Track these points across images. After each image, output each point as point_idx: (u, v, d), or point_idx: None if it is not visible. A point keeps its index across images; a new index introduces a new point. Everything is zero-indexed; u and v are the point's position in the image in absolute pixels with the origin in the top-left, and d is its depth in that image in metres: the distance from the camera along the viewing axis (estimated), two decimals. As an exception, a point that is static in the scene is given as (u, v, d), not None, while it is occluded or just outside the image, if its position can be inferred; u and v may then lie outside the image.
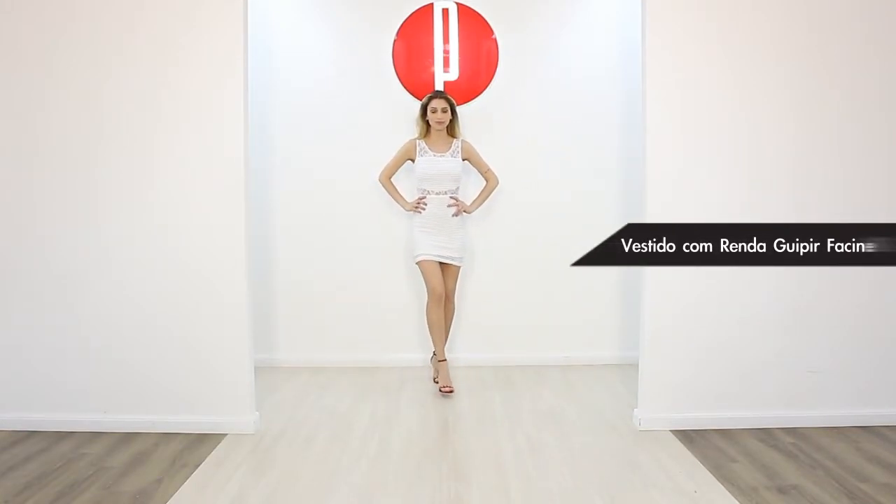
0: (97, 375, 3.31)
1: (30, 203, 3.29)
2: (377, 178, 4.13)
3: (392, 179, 4.13)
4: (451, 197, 4.01)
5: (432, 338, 4.07)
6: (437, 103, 4.01)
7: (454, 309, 4.23)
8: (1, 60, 3.24)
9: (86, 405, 3.31)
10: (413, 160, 4.07)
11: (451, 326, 4.25)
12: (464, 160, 4.07)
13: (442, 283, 4.00)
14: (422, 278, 4.10)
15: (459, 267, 4.12)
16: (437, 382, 4.00)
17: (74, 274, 3.28)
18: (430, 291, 4.01)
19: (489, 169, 4.12)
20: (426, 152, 4.03)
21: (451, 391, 3.88)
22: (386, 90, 4.47)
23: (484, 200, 4.14)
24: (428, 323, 4.07)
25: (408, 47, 4.45)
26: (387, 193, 4.15)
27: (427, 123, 4.05)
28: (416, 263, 4.06)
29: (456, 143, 4.06)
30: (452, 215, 4.01)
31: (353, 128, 4.49)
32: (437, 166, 4.00)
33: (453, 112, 4.05)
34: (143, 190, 3.26)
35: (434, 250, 4.00)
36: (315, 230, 4.53)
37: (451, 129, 4.07)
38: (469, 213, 4.10)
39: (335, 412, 3.63)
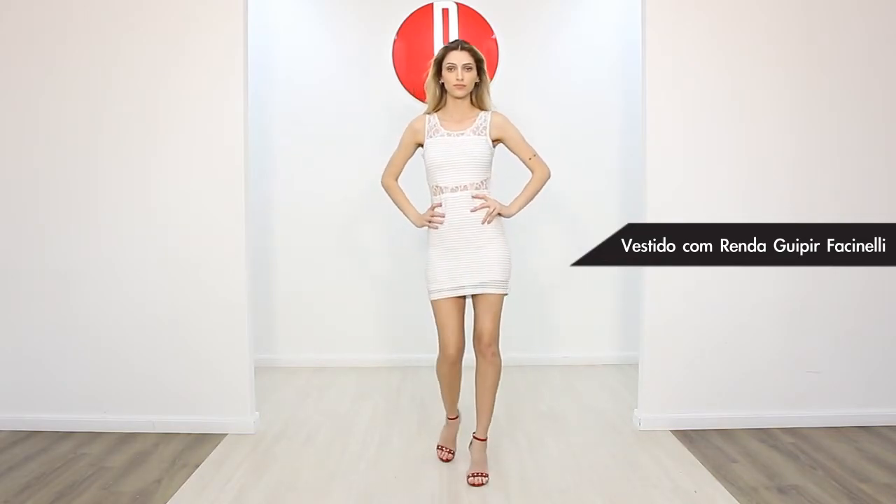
0: (97, 375, 3.31)
1: (30, 203, 3.29)
2: (381, 181, 2.98)
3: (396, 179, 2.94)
4: (475, 196, 2.76)
5: (442, 395, 2.96)
6: (457, 57, 2.72)
7: (500, 365, 2.83)
8: (1, 60, 3.25)
9: (86, 405, 3.31)
10: (423, 145, 2.83)
11: (495, 395, 2.87)
12: (495, 142, 2.82)
13: (459, 336, 2.77)
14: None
15: (502, 296, 2.80)
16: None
17: (74, 274, 3.28)
18: (442, 348, 2.79)
19: (535, 154, 2.85)
20: (437, 131, 2.78)
21: (449, 458, 2.91)
22: (386, 90, 4.47)
23: (530, 198, 2.86)
24: (438, 379, 2.92)
25: (408, 47, 4.45)
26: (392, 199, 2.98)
27: (442, 88, 2.81)
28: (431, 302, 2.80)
29: (483, 117, 2.80)
30: (482, 221, 2.76)
31: (353, 127, 4.49)
32: (453, 148, 2.75)
33: (480, 72, 2.78)
34: (144, 190, 3.26)
35: (451, 281, 2.75)
36: (315, 229, 4.52)
37: (479, 98, 2.82)
38: (507, 215, 2.81)
39: (335, 412, 3.63)
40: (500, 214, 2.80)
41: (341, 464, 2.94)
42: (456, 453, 2.98)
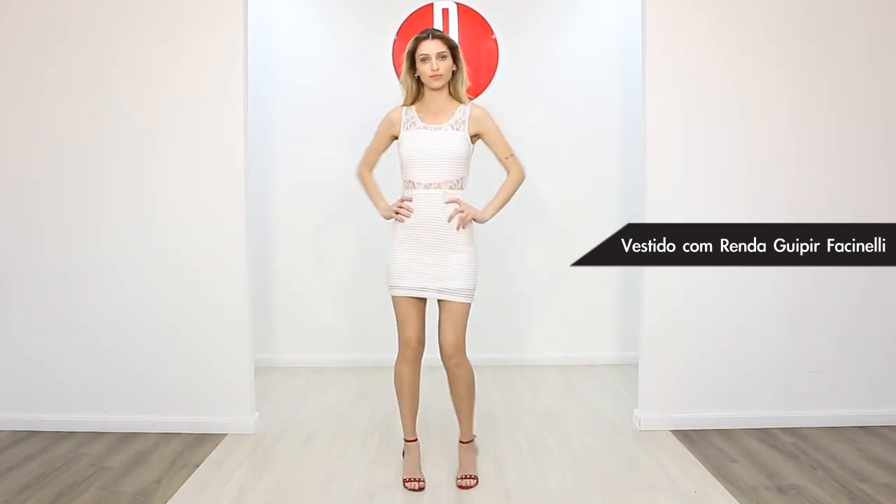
0: (97, 375, 3.31)
1: (30, 203, 3.29)
2: (356, 172, 2.87)
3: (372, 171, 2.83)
4: (450, 200, 2.62)
5: (400, 410, 2.81)
6: (429, 46, 2.59)
7: (467, 373, 2.72)
8: (1, 60, 3.25)
9: (86, 405, 3.31)
10: (398, 137, 2.72)
11: (472, 402, 2.79)
12: (474, 137, 2.67)
13: (420, 332, 2.70)
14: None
15: (465, 305, 2.65)
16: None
17: (74, 273, 3.28)
18: (402, 344, 2.72)
19: (512, 154, 2.70)
20: (415, 123, 2.66)
21: (422, 487, 2.68)
22: (386, 90, 4.46)
23: (506, 201, 2.72)
24: (396, 389, 2.78)
25: (408, 47, 4.45)
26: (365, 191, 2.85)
27: (418, 82, 2.69)
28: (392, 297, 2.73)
29: (462, 110, 2.66)
30: (456, 228, 2.62)
31: (352, 127, 4.47)
32: (429, 143, 2.62)
33: (456, 61, 2.65)
34: (144, 190, 3.26)
35: (413, 280, 2.64)
36: (315, 229, 4.53)
37: (455, 90, 2.68)
38: (481, 221, 2.66)
39: (335, 412, 3.63)
40: (473, 219, 2.65)
41: (341, 464, 2.94)
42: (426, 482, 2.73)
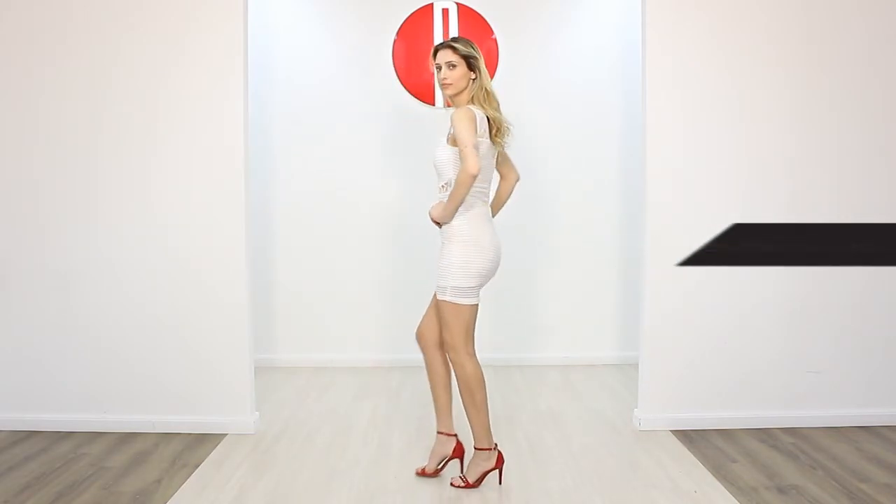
0: (97, 375, 3.31)
1: (30, 203, 3.29)
2: None
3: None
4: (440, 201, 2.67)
5: None
6: (440, 56, 2.64)
7: (463, 374, 2.64)
8: (1, 60, 3.25)
9: (86, 405, 3.31)
10: None
11: (475, 405, 2.66)
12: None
13: (426, 324, 2.76)
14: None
15: (443, 303, 2.61)
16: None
17: (74, 274, 3.28)
18: None
19: (464, 147, 2.48)
20: None
21: (419, 472, 2.80)
22: (386, 90, 4.47)
23: (453, 200, 2.55)
24: None
25: (408, 47, 4.45)
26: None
27: None
28: None
29: None
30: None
31: (352, 127, 4.49)
32: None
33: (471, 66, 2.63)
34: (144, 190, 3.26)
35: None
36: (315, 229, 4.53)
37: (476, 97, 2.66)
38: (434, 220, 2.68)
39: (335, 412, 3.63)
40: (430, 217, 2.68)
41: (341, 464, 2.94)
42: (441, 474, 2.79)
